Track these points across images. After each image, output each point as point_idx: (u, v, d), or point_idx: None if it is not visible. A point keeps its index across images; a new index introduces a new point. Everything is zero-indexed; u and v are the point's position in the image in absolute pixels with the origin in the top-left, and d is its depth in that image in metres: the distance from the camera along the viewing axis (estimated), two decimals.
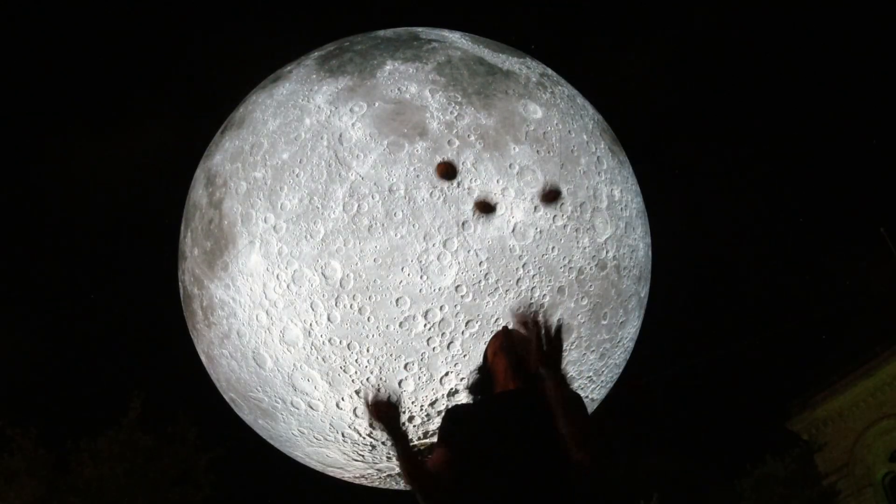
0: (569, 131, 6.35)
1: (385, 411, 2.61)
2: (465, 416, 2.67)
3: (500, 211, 5.74)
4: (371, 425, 5.98)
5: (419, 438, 6.23)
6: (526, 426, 2.44)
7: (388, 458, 6.52)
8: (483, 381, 2.76)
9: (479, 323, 5.77)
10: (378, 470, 6.76)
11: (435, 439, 2.77)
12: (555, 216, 5.95)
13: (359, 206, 5.61)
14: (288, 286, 5.76)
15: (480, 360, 2.87)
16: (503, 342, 2.77)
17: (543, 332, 2.42)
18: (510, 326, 2.88)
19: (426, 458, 2.62)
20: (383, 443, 6.28)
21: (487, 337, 5.79)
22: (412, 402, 6.00)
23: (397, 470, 6.62)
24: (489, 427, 2.52)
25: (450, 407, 2.79)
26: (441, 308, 5.68)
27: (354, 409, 6.09)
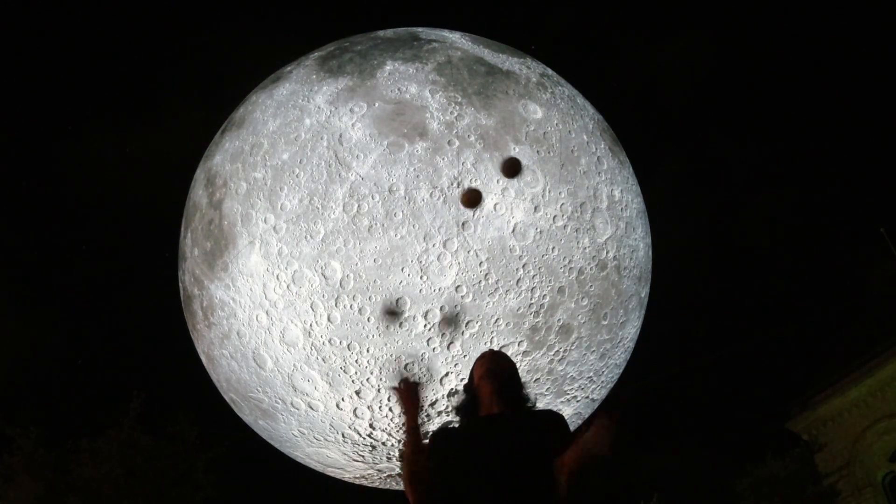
0: (569, 131, 6.35)
1: (410, 392, 2.86)
2: (449, 439, 2.74)
3: (500, 211, 5.74)
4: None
5: None
6: (507, 450, 2.50)
7: (388, 458, 6.51)
8: (468, 403, 2.83)
9: (479, 323, 5.77)
10: (378, 470, 6.76)
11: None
12: (555, 216, 5.94)
13: (359, 206, 5.61)
14: (288, 287, 5.76)
15: (467, 378, 2.93)
16: (490, 367, 2.82)
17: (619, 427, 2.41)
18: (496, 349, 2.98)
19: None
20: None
21: (488, 337, 5.80)
22: None
23: (397, 470, 6.63)
24: (472, 450, 2.59)
25: (436, 430, 2.88)
26: (441, 308, 5.68)
27: (354, 410, 6.09)
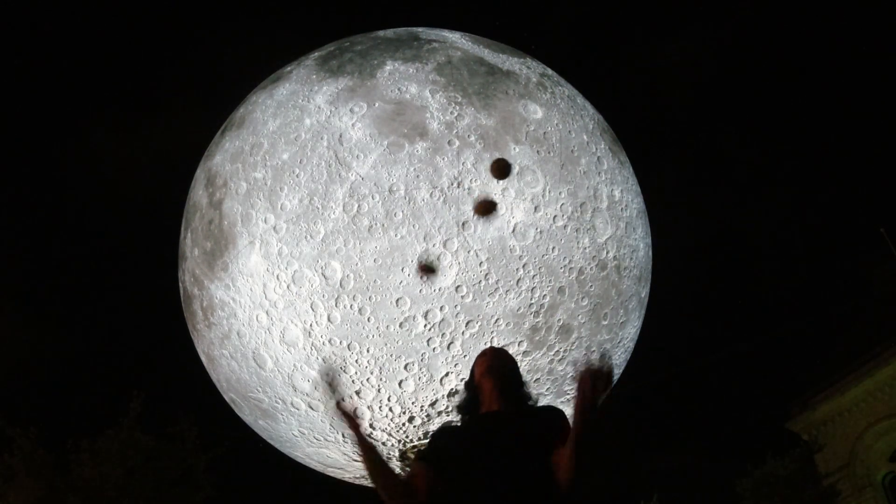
0: (569, 131, 6.35)
1: (349, 415, 2.78)
2: (451, 437, 2.73)
3: (500, 211, 5.74)
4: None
5: (419, 439, 6.23)
6: (509, 447, 2.50)
7: (388, 458, 6.51)
8: (469, 400, 2.83)
9: (479, 323, 5.76)
10: None
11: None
12: (555, 216, 5.94)
13: (359, 206, 5.61)
14: (288, 286, 5.76)
15: (468, 376, 2.93)
16: (490, 363, 2.82)
17: (599, 379, 2.43)
18: (497, 346, 2.94)
19: (401, 472, 2.68)
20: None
21: (488, 337, 5.80)
22: (412, 403, 6.00)
23: (397, 470, 6.64)
24: (474, 448, 2.58)
25: (437, 429, 2.88)
26: (441, 308, 5.68)
27: (354, 410, 6.09)
